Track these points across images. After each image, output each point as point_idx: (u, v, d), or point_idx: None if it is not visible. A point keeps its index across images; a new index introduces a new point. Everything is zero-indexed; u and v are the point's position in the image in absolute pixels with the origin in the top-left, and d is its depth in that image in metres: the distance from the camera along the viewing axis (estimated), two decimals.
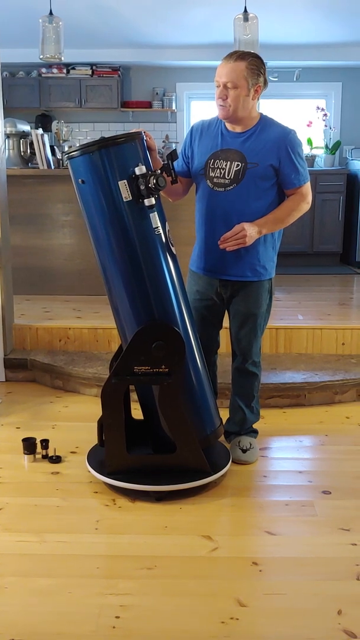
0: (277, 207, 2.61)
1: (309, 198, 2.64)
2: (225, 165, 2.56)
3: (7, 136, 5.10)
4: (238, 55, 2.47)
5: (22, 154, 5.23)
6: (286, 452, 2.97)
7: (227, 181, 2.56)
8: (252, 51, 2.55)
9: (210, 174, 2.59)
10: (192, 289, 2.76)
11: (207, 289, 2.73)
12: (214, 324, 2.82)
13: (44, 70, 7.05)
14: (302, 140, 2.64)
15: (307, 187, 2.62)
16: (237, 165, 2.54)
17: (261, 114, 2.62)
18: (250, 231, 2.50)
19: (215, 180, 2.58)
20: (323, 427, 3.21)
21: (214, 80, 2.52)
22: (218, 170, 2.57)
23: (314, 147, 7.04)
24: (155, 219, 2.36)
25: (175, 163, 2.66)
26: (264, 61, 2.53)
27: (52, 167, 4.86)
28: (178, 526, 2.33)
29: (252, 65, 2.46)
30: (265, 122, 2.60)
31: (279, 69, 6.85)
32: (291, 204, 2.61)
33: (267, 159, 2.53)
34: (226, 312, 2.80)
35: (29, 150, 5.19)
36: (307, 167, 2.63)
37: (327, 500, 2.51)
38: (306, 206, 2.64)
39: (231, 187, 2.56)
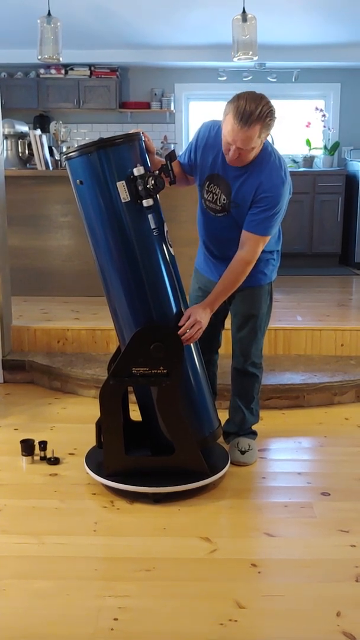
0: (223, 274, 2.50)
1: (257, 253, 2.46)
2: (218, 193, 2.53)
3: (5, 137, 5.09)
4: (254, 119, 2.25)
5: (20, 154, 5.23)
6: (285, 454, 2.96)
7: (218, 207, 2.56)
8: (262, 94, 2.33)
9: (205, 196, 2.59)
10: (194, 286, 2.79)
11: (208, 286, 2.72)
12: (216, 322, 2.79)
13: (42, 71, 7.05)
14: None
15: (262, 240, 2.46)
16: (224, 199, 2.52)
17: (264, 147, 2.42)
18: (204, 319, 2.43)
19: (207, 202, 2.59)
20: (322, 429, 3.20)
21: (223, 137, 2.35)
22: (211, 194, 2.56)
23: (313, 148, 7.04)
24: (153, 220, 2.35)
25: (182, 157, 2.64)
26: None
27: (51, 168, 4.86)
28: (176, 528, 2.33)
29: (266, 125, 2.30)
30: (262, 162, 2.42)
31: (278, 70, 6.84)
32: (236, 266, 2.47)
33: (248, 202, 2.45)
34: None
35: (27, 151, 5.18)
36: (274, 225, 2.45)
37: (326, 502, 2.50)
38: (253, 260, 2.47)
39: (221, 214, 2.56)
